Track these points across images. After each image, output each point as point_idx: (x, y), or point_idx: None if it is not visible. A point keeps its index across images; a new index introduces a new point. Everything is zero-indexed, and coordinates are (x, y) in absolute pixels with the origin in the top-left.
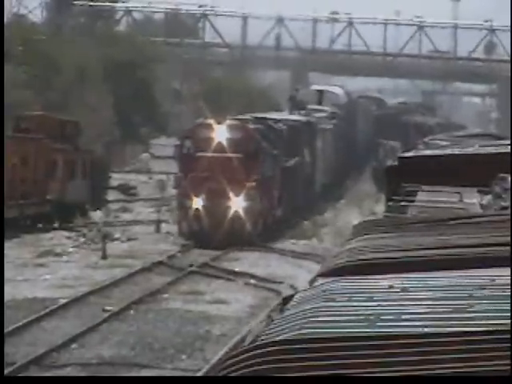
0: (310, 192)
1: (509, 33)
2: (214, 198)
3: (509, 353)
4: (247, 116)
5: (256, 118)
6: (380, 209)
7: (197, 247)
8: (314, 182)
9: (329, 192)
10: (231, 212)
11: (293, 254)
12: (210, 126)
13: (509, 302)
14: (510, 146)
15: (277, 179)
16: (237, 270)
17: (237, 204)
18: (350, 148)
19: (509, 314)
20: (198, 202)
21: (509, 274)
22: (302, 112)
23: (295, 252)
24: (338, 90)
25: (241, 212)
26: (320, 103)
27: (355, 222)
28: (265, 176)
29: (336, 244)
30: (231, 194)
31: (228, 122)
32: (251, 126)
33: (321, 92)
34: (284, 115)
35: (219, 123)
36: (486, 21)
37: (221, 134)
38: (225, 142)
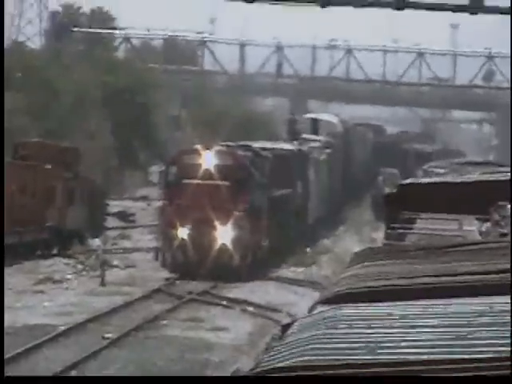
0: (301, 224)
1: (508, 60)
2: (200, 227)
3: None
4: (236, 144)
5: (245, 145)
6: (379, 236)
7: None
8: (306, 213)
9: (322, 224)
10: (218, 243)
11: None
12: (196, 152)
13: (509, 329)
14: (509, 174)
15: (266, 210)
16: (232, 296)
17: (224, 234)
18: (347, 177)
19: (506, 342)
20: (183, 232)
21: (507, 300)
22: (295, 141)
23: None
24: (333, 119)
25: (228, 243)
26: (315, 132)
27: (345, 257)
28: (253, 206)
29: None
30: (218, 224)
31: (216, 148)
32: (240, 153)
33: (315, 121)
34: (275, 144)
35: (207, 149)
36: (486, 48)
37: (208, 160)
38: (212, 169)
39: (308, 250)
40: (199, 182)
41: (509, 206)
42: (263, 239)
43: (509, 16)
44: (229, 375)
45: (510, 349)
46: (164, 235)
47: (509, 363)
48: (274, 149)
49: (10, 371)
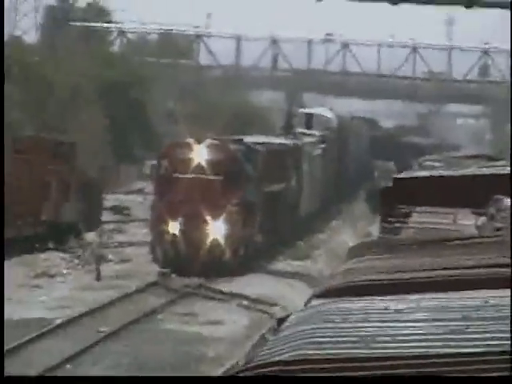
0: (295, 218)
1: (503, 54)
2: (192, 222)
3: (506, 373)
4: (228, 137)
5: (238, 139)
6: (375, 230)
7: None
8: (300, 207)
9: (317, 218)
10: (209, 238)
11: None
12: (188, 146)
13: (504, 322)
14: (504, 168)
15: (259, 204)
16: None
17: (216, 229)
18: (342, 171)
19: (504, 335)
20: (174, 227)
21: (502, 294)
22: (290, 136)
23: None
24: (327, 113)
25: (220, 238)
26: (309, 126)
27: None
28: (246, 200)
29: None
30: (210, 219)
31: (208, 141)
32: (232, 147)
33: (310, 115)
34: (268, 138)
35: (198, 142)
36: (485, 43)
37: (200, 154)
38: (204, 163)
39: (302, 244)
40: (190, 176)
41: (506, 200)
42: (256, 234)
43: (504, 10)
44: (228, 375)
45: (507, 342)
46: (155, 230)
47: (505, 357)
48: (267, 143)
49: (7, 363)
